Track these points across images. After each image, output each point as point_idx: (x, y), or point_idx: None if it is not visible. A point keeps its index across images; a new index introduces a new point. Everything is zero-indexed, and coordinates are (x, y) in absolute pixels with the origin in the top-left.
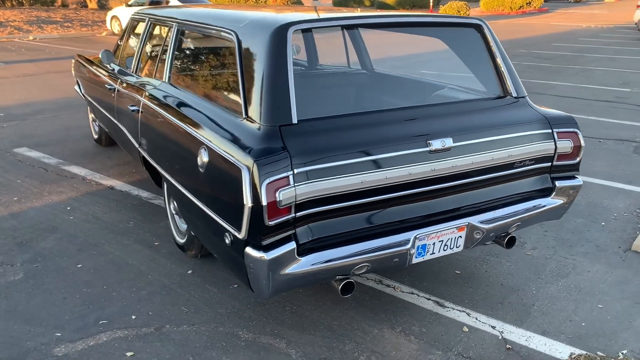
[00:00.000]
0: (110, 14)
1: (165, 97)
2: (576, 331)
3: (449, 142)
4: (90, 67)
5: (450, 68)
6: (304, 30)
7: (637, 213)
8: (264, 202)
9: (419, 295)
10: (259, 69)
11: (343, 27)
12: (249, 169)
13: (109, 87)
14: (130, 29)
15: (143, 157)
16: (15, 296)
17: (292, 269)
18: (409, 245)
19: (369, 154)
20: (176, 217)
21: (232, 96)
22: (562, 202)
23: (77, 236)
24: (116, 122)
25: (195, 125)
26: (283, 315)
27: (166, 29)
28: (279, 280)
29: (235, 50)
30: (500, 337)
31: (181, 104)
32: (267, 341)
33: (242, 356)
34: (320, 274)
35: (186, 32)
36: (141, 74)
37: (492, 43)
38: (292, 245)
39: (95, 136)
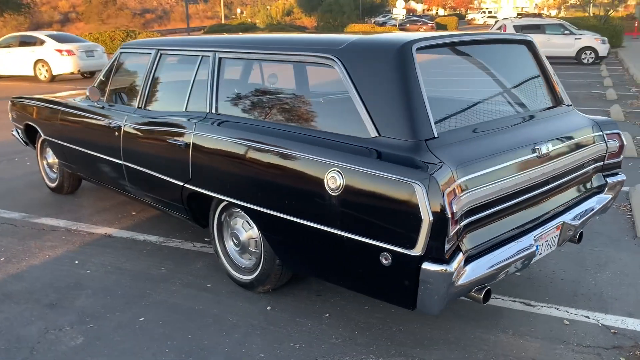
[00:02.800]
0: None
1: (242, 128)
2: None
3: (550, 147)
4: (62, 108)
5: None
6: (423, 48)
7: (616, 206)
8: (449, 215)
9: (504, 299)
10: (389, 88)
11: (456, 44)
12: (423, 184)
13: (110, 125)
14: (121, 63)
15: (192, 194)
16: None
17: (463, 279)
18: (535, 247)
19: (501, 162)
20: (235, 254)
21: (346, 117)
22: (611, 196)
23: (112, 289)
24: (123, 162)
25: (309, 150)
26: (396, 336)
27: (194, 58)
28: (452, 292)
29: (341, 73)
30: (600, 325)
31: (267, 132)
32: None
33: None
34: (477, 282)
35: (233, 60)
36: (154, 107)
37: (541, 57)
38: (460, 255)
39: (52, 184)
